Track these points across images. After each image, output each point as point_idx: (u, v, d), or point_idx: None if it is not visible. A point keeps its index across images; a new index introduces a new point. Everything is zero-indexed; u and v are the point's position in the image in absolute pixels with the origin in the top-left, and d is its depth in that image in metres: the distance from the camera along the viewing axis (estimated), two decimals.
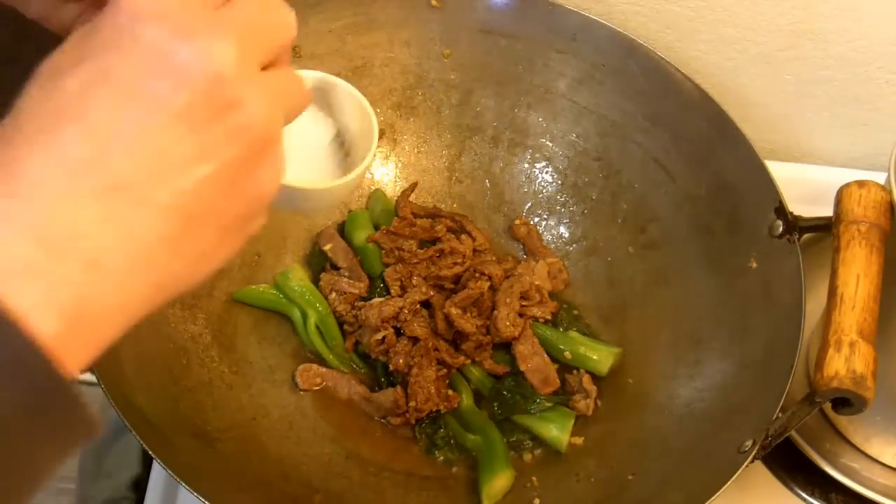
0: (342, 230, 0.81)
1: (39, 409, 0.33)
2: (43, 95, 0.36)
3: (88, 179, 0.35)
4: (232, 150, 0.37)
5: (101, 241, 0.34)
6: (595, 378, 0.76)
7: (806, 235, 0.71)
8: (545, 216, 0.84)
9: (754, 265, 0.73)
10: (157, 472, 0.75)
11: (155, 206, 0.36)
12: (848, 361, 0.59)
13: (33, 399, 0.32)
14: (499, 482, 0.70)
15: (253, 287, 0.77)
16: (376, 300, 0.76)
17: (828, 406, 0.61)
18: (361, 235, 0.80)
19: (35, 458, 0.33)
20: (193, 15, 0.37)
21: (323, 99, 0.58)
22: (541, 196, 0.84)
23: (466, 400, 0.75)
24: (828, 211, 0.68)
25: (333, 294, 0.77)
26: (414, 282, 0.77)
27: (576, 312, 0.80)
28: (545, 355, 0.75)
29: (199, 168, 0.36)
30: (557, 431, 0.73)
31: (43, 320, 0.33)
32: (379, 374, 0.75)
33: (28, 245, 0.33)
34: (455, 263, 0.78)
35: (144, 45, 0.36)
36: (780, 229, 0.71)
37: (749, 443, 0.63)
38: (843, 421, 0.75)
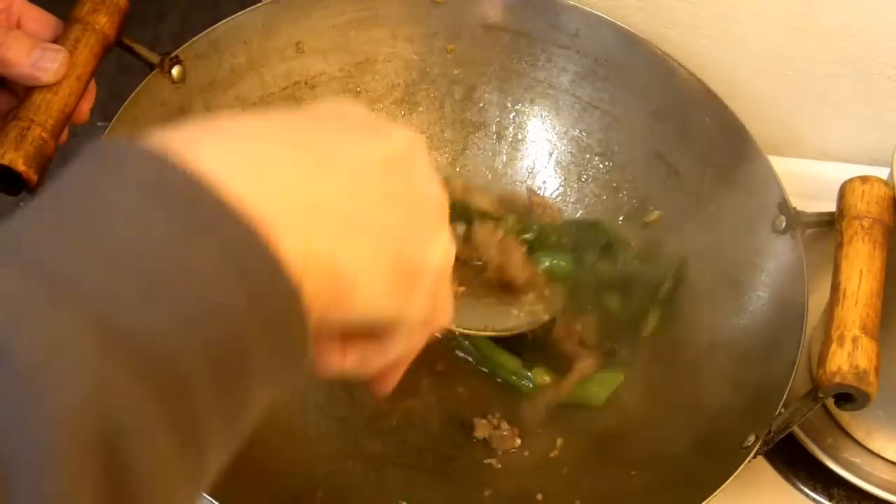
0: None
1: (271, 322, 0.31)
2: None
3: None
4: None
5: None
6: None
7: (808, 231, 0.71)
8: None
9: (757, 261, 0.73)
10: None
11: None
12: (851, 357, 0.59)
13: (267, 309, 0.31)
14: None
15: None
16: None
17: (830, 401, 0.61)
18: None
19: (255, 369, 0.32)
20: None
21: None
22: (544, 192, 0.84)
23: None
24: (830, 206, 0.68)
25: None
26: None
27: None
28: None
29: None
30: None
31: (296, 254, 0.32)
32: None
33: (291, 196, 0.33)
34: None
35: None
36: (783, 225, 0.71)
37: (751, 438, 0.63)
38: (845, 416, 0.75)
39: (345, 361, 0.41)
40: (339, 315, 0.36)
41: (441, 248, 0.40)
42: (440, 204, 0.41)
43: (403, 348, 0.42)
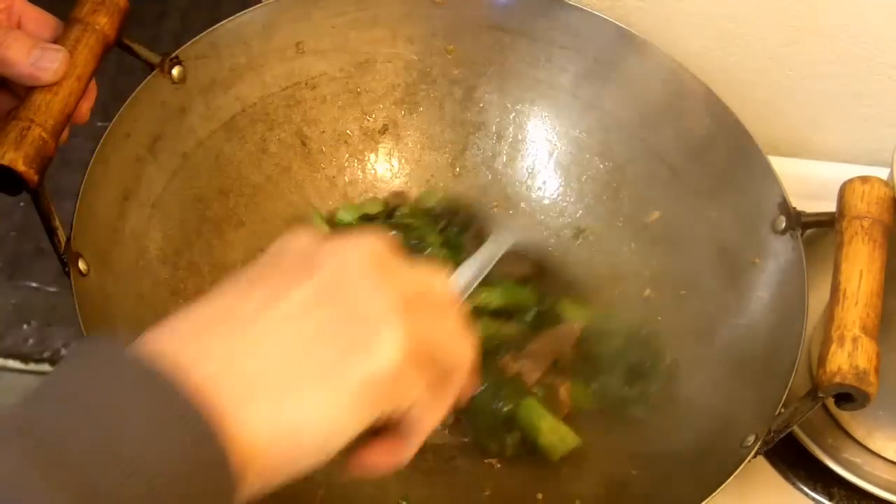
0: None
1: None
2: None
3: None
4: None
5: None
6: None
7: (808, 231, 0.71)
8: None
9: (757, 261, 0.73)
10: None
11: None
12: (851, 357, 0.59)
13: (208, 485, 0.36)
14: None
15: None
16: None
17: (830, 401, 0.61)
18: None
19: None
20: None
21: None
22: (544, 192, 0.84)
23: None
24: (830, 206, 0.68)
25: None
26: None
27: None
28: None
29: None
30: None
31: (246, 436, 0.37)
32: None
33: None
34: None
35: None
36: (783, 225, 0.71)
37: (752, 438, 0.63)
38: (845, 416, 0.75)
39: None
40: (316, 451, 0.41)
41: (389, 344, 0.41)
42: (381, 302, 0.42)
43: (427, 422, 0.47)
